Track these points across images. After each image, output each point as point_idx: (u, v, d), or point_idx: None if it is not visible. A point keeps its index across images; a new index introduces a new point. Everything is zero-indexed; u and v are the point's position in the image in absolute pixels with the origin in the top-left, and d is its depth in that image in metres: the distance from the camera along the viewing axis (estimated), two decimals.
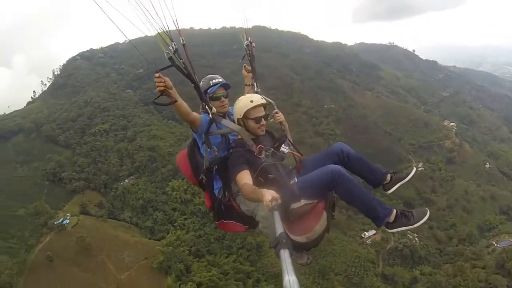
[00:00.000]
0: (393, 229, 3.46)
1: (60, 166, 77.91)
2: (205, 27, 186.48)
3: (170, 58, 3.28)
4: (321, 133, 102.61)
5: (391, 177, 3.84)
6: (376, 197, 3.44)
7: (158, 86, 3.30)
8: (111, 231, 63.00)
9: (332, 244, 66.36)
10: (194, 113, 3.82)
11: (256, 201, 3.32)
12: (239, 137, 3.87)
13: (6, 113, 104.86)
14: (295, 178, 3.63)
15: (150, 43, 3.19)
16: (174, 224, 67.81)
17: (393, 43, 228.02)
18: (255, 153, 3.67)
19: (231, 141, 4.04)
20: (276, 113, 4.42)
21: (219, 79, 4.17)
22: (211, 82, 4.11)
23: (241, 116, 3.82)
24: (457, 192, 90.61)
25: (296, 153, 4.02)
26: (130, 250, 59.27)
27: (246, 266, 60.87)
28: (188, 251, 61.27)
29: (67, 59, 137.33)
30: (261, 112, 3.82)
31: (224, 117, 4.08)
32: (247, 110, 3.76)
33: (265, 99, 4.01)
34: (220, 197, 4.04)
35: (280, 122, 4.42)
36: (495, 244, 69.65)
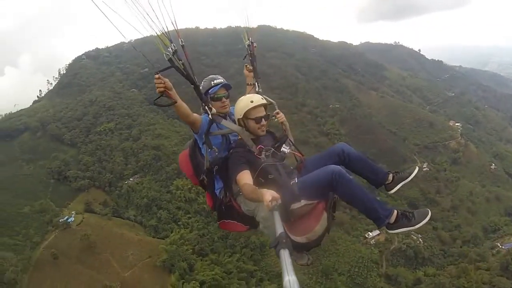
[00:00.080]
0: (394, 230, 3.44)
1: (66, 165, 78.43)
2: (210, 26, 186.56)
3: (170, 60, 3.29)
4: (326, 132, 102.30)
5: (393, 177, 3.83)
6: (377, 198, 3.43)
7: (158, 87, 3.32)
8: (115, 229, 63.27)
9: (335, 244, 66.29)
10: (194, 114, 3.83)
11: (256, 201, 3.32)
12: (239, 137, 3.87)
13: (13, 111, 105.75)
14: (296, 178, 3.62)
15: (154, 42, 3.20)
16: (178, 223, 67.98)
17: (398, 42, 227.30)
18: (255, 154, 3.67)
19: (232, 142, 4.05)
20: (277, 113, 4.39)
21: (220, 80, 4.16)
22: (212, 82, 4.11)
23: (241, 116, 3.82)
24: (462, 193, 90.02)
25: (297, 153, 4.02)
26: (134, 248, 59.47)
27: (249, 265, 60.91)
28: (191, 250, 61.38)
29: (73, 59, 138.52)
30: (262, 113, 3.82)
31: (225, 118, 4.07)
32: (247, 110, 3.76)
33: (266, 99, 4.01)
34: (221, 197, 4.05)
35: (281, 122, 4.39)
36: (500, 246, 69.14)
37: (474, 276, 58.84)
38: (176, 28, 3.25)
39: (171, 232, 65.36)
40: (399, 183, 3.82)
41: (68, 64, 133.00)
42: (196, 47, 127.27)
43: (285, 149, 3.87)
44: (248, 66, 4.84)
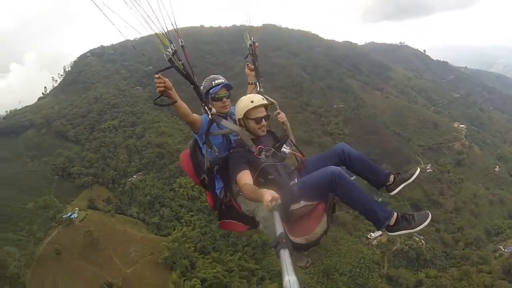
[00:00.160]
0: (394, 232, 3.41)
1: (70, 161, 78.93)
2: (215, 25, 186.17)
3: (170, 60, 3.29)
4: (330, 132, 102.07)
5: (395, 178, 3.78)
6: (376, 200, 3.42)
7: (158, 87, 3.33)
8: (118, 226, 63.63)
9: (337, 244, 66.28)
10: (194, 114, 3.83)
11: (256, 201, 3.31)
12: (239, 137, 3.86)
13: (18, 108, 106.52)
14: (296, 179, 3.61)
15: (155, 42, 3.21)
16: (181, 221, 68.28)
17: (403, 43, 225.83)
18: (255, 154, 3.66)
19: (232, 142, 4.04)
20: (278, 113, 4.37)
21: (221, 80, 4.15)
22: (213, 82, 4.10)
23: (241, 116, 3.80)
24: (465, 195, 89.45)
25: (297, 154, 4.01)
26: (137, 245, 59.79)
27: (251, 264, 61.05)
28: (193, 248, 61.60)
29: (78, 56, 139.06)
30: (262, 113, 3.80)
31: (226, 118, 4.06)
32: (247, 110, 3.74)
33: (266, 99, 3.99)
34: (221, 197, 4.05)
35: (282, 122, 4.38)
36: (503, 249, 68.71)
37: (476, 279, 58.50)
38: (175, 28, 3.25)
39: (174, 230, 65.67)
40: (401, 185, 3.76)
41: (73, 62, 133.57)
42: (200, 45, 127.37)
43: (285, 149, 3.85)
44: (249, 65, 4.82)
